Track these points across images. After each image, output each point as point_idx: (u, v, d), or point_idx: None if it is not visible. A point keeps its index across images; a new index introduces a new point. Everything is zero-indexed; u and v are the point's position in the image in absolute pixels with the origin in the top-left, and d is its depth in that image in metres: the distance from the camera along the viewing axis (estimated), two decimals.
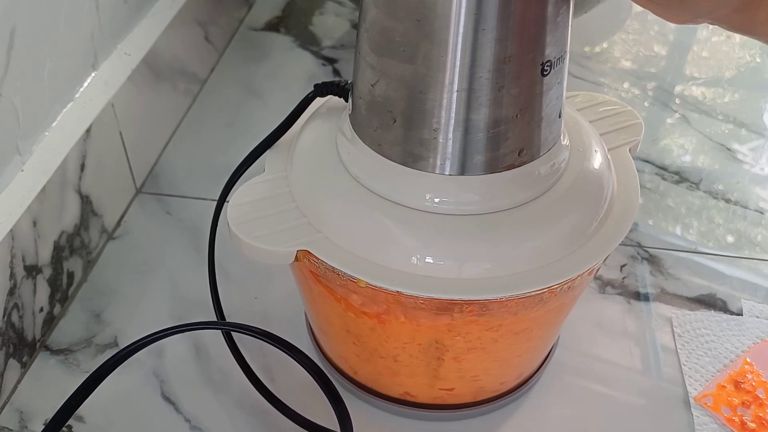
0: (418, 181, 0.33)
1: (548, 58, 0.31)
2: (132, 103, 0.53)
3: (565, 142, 0.36)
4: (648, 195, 0.56)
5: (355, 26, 0.74)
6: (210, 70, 0.67)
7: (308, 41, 0.72)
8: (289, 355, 0.39)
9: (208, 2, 0.66)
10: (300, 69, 0.69)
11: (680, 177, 0.58)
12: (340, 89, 0.38)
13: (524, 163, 0.33)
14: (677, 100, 0.65)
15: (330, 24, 0.75)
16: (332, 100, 0.39)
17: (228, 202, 0.37)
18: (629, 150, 0.39)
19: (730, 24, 0.31)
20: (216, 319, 0.42)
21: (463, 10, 0.29)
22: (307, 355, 0.39)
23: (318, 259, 0.34)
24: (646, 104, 0.65)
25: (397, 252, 0.33)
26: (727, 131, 0.62)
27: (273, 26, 0.74)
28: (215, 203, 0.41)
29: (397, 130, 0.33)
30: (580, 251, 0.34)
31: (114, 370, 0.39)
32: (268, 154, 0.39)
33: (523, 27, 0.30)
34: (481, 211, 0.34)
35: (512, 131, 0.32)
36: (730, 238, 0.53)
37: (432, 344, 0.36)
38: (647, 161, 0.59)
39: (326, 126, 0.38)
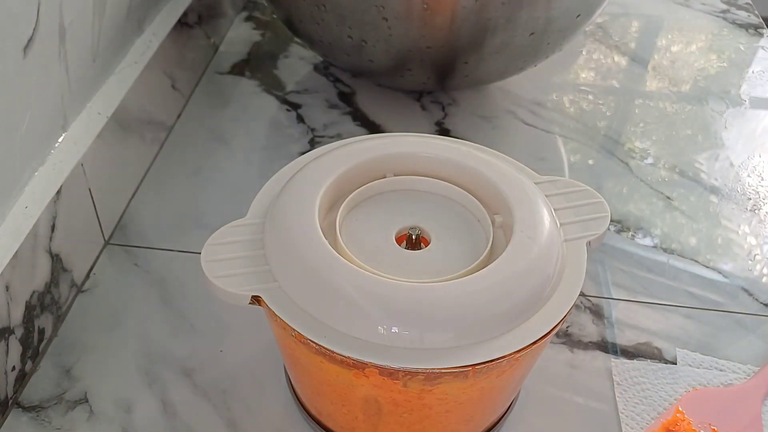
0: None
1: None
2: (101, 159, 0.55)
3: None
4: None
5: (318, 69, 0.77)
6: (177, 116, 0.69)
7: (273, 85, 0.75)
8: None
9: (175, 50, 0.68)
10: (264, 114, 0.71)
11: (622, 225, 0.61)
12: None
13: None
14: (624, 147, 0.69)
15: (295, 67, 0.77)
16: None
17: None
18: (589, 243, 0.41)
19: None
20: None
21: None
22: None
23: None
24: (593, 152, 0.69)
25: (332, 307, 0.36)
26: (668, 179, 0.66)
27: (239, 69, 0.76)
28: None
29: None
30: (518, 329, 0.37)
31: None
32: (255, 199, 0.42)
33: None
34: (436, 279, 0.37)
35: None
36: (668, 285, 0.57)
37: (369, 400, 0.39)
38: None
39: (312, 179, 0.41)
